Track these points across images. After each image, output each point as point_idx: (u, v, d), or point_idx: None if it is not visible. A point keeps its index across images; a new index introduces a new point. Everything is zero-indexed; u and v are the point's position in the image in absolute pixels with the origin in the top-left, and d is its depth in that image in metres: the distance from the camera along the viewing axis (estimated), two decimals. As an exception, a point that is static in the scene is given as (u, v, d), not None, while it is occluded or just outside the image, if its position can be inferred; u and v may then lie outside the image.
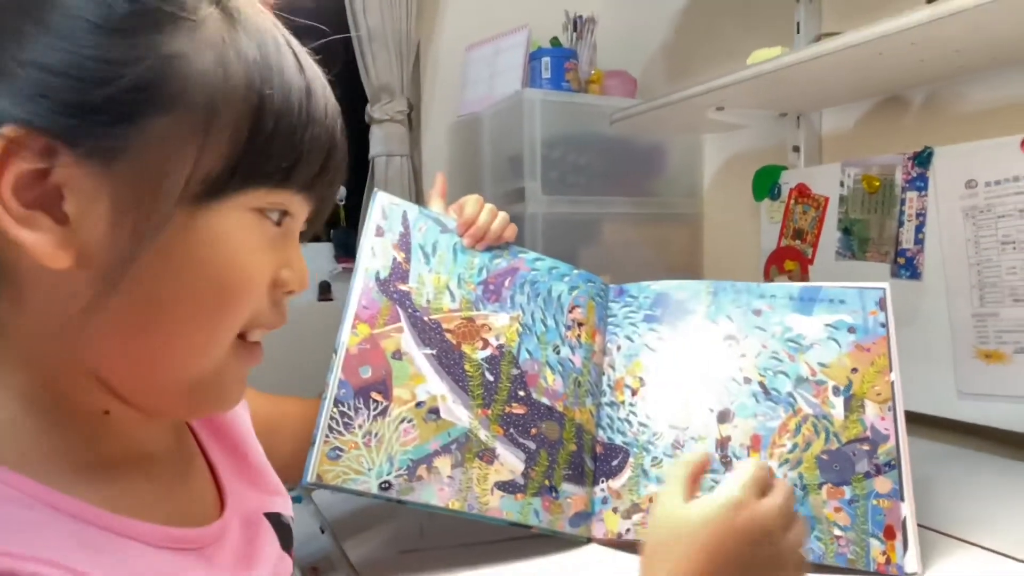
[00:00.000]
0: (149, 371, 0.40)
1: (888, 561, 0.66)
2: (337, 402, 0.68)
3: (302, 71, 0.40)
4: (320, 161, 0.41)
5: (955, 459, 1.00)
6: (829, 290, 0.79)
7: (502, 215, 0.83)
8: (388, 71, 1.61)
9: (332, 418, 0.67)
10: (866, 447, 0.71)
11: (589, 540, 0.74)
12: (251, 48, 0.38)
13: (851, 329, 0.76)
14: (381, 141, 1.63)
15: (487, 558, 0.70)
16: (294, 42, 0.41)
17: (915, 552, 0.66)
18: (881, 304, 0.76)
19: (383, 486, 0.67)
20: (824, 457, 0.71)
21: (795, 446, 0.72)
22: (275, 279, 0.42)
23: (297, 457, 0.65)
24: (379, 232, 0.78)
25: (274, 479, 0.55)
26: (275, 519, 0.51)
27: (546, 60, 1.51)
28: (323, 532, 0.81)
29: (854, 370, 0.74)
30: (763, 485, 0.50)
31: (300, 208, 0.42)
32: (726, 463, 0.73)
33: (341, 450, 0.66)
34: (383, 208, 0.79)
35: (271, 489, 0.54)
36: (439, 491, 0.68)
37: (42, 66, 0.34)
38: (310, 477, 0.64)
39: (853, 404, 0.72)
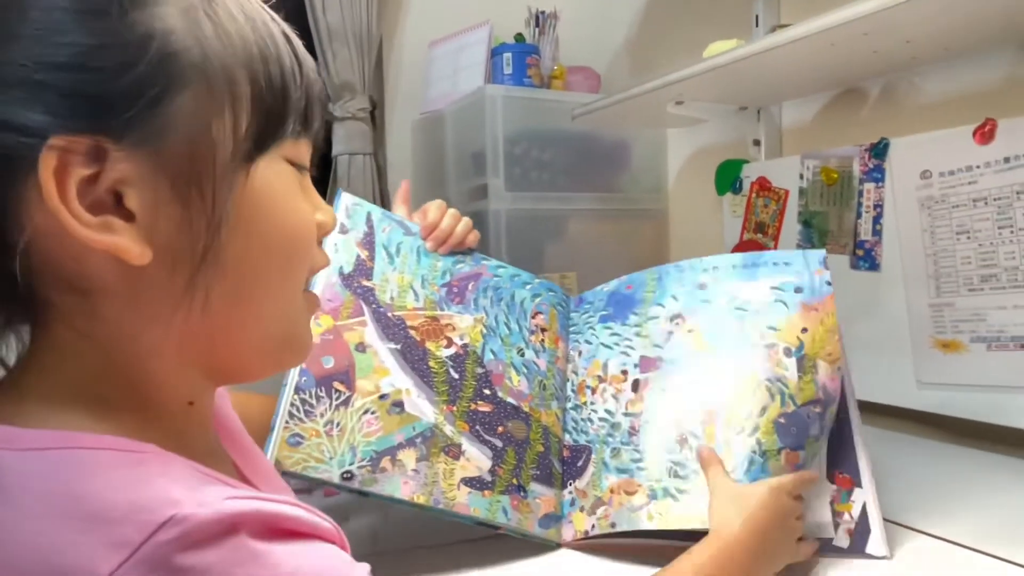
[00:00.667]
0: (244, 337, 0.41)
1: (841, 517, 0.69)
2: (298, 389, 0.67)
3: (272, 18, 0.41)
4: (319, 100, 0.43)
5: (915, 448, 1.00)
6: (772, 254, 0.78)
7: (465, 220, 0.84)
8: (349, 69, 1.59)
9: (292, 404, 0.66)
10: (818, 409, 0.69)
11: (559, 545, 0.72)
12: (231, 2, 0.39)
13: (797, 289, 0.74)
14: (343, 139, 1.61)
15: (446, 561, 0.69)
16: None
17: (880, 535, 0.66)
18: (825, 263, 0.75)
19: (345, 476, 0.65)
20: (781, 421, 0.68)
21: (749, 412, 0.69)
22: (316, 222, 0.45)
23: None
24: (343, 229, 0.78)
25: (278, 477, 0.54)
26: None
27: (508, 56, 1.50)
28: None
29: (804, 330, 0.72)
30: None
31: (307, 156, 0.44)
32: (682, 442, 0.71)
33: (302, 437, 0.65)
34: (347, 207, 0.80)
35: (278, 487, 0.53)
36: (403, 484, 0.67)
37: (55, 66, 0.33)
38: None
39: (806, 365, 0.71)
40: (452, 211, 0.84)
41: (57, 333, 0.37)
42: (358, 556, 0.38)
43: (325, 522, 0.37)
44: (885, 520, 0.72)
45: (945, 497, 0.81)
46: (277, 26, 0.41)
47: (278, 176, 0.41)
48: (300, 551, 0.35)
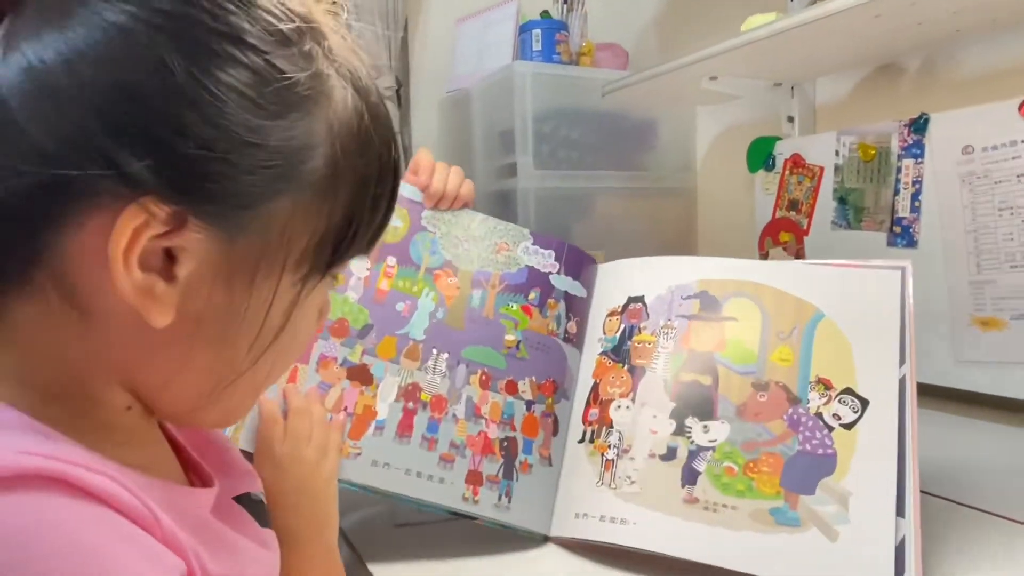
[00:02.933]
0: (196, 398, 0.39)
1: None
2: None
3: (393, 140, 0.40)
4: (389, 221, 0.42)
5: (954, 427, 0.99)
6: None
7: (455, 171, 0.81)
8: (375, 47, 1.58)
9: None
10: None
11: (545, 539, 0.71)
12: (367, 115, 0.38)
13: None
14: (370, 118, 1.60)
15: (462, 535, 0.70)
16: (376, 83, 0.41)
17: (915, 569, 0.56)
18: None
19: None
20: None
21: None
22: None
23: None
24: None
25: (238, 459, 0.52)
26: (244, 499, 0.49)
27: (536, 32, 1.49)
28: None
29: None
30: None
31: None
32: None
33: None
34: None
35: (235, 471, 0.51)
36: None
37: (191, 136, 0.32)
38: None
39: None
40: (440, 164, 0.80)
41: (19, 316, 0.35)
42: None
43: (139, 504, 0.32)
44: (930, 495, 0.73)
45: (987, 472, 0.81)
46: (390, 131, 0.40)
47: (320, 292, 0.41)
48: (79, 511, 0.30)
